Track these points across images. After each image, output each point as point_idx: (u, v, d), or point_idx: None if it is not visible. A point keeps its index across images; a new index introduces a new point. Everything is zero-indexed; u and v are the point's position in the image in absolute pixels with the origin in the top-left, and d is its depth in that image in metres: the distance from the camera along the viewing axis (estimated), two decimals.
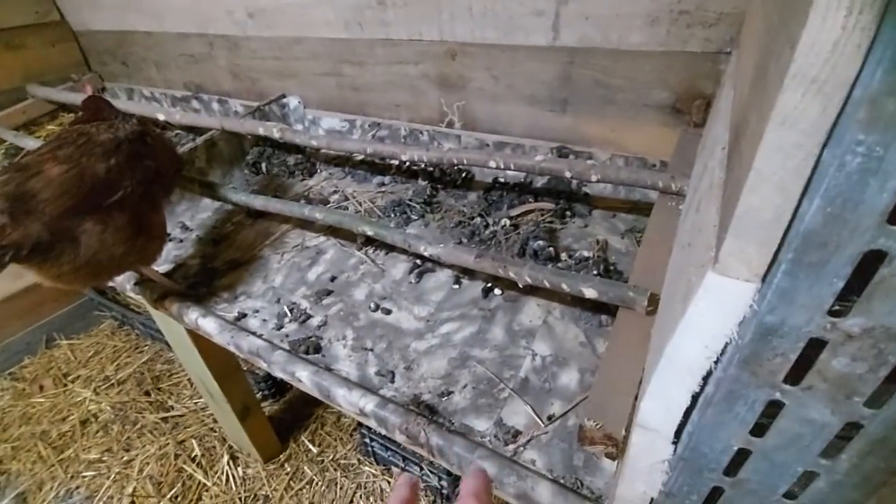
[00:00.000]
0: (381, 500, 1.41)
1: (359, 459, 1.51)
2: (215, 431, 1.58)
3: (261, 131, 1.19)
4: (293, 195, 1.23)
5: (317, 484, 1.45)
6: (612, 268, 0.86)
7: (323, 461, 1.51)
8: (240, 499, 1.42)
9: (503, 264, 0.71)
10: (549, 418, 0.67)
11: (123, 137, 0.82)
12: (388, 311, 0.88)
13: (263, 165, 1.34)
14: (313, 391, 0.78)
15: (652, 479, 0.42)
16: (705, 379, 0.35)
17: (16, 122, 1.78)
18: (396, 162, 1.26)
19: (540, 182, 1.10)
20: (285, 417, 1.61)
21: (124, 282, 1.01)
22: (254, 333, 0.87)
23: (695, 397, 0.37)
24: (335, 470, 1.49)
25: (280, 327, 0.89)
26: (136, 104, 1.66)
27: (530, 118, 1.09)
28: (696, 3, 0.84)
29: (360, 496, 1.42)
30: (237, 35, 1.43)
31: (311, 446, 1.55)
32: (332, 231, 1.09)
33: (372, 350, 0.81)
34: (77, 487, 1.51)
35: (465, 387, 0.73)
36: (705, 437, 0.38)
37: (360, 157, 1.31)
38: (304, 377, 0.78)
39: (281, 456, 1.53)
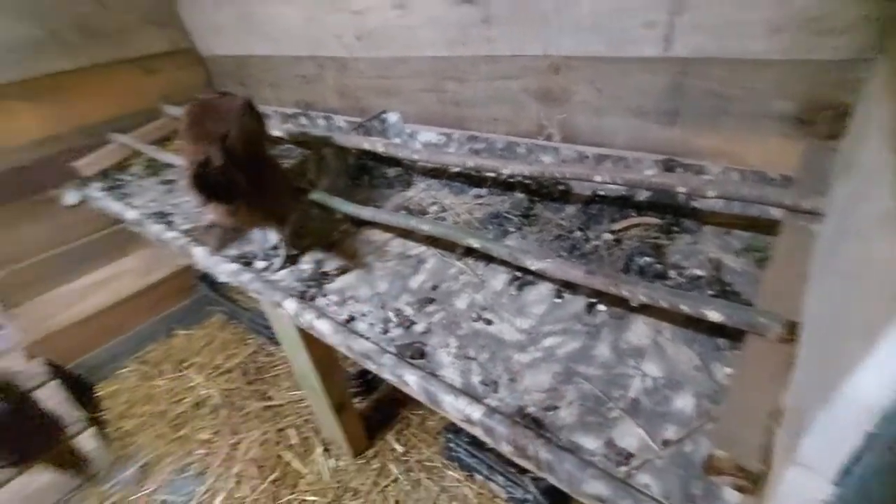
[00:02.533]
0: None
1: (443, 463, 1.54)
2: (310, 423, 1.70)
3: (366, 146, 1.28)
4: (393, 206, 1.30)
5: (402, 483, 1.51)
6: (728, 288, 0.82)
7: (408, 461, 1.56)
8: (331, 489, 1.51)
9: (616, 281, 0.71)
10: (665, 443, 0.65)
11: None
12: (490, 322, 0.90)
13: (365, 177, 1.42)
14: (420, 395, 0.82)
15: None
16: (888, 419, 0.33)
17: (153, 137, 2.04)
18: (493, 174, 1.28)
19: (643, 195, 1.07)
20: (373, 416, 1.68)
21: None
22: (363, 336, 0.93)
23: (870, 437, 0.34)
24: (419, 471, 1.53)
25: (386, 332, 0.94)
26: None
27: (635, 130, 1.06)
28: (826, 9, 0.79)
29: (445, 499, 1.45)
30: (345, 57, 1.54)
31: (396, 445, 1.61)
32: (432, 241, 1.14)
33: (475, 359, 0.84)
34: (190, 463, 1.69)
35: (572, 403, 0.73)
36: (878, 481, 0.36)
37: (457, 169, 1.36)
38: (412, 381, 0.82)
39: (368, 452, 1.60)
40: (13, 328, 1.90)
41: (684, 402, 0.69)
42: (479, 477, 1.48)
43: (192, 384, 1.97)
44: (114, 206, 1.64)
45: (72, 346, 2.06)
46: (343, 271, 1.12)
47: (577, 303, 0.89)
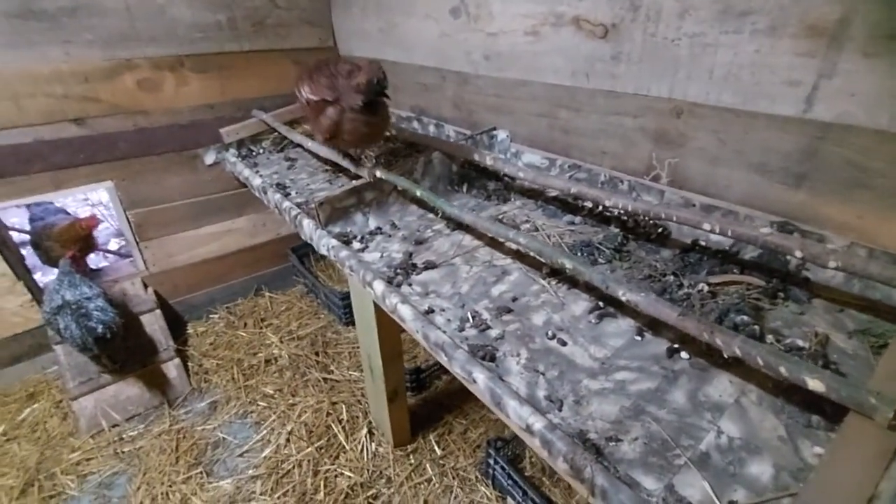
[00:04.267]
0: None
1: (477, 477, 1.54)
2: (361, 404, 1.78)
3: (475, 157, 1.35)
4: (488, 217, 1.35)
5: (434, 485, 1.53)
6: (832, 367, 0.76)
7: (444, 466, 1.58)
8: (367, 470, 1.57)
9: (710, 329, 0.69)
10: (731, 503, 0.62)
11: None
12: (564, 343, 0.91)
13: (465, 186, 1.49)
14: (485, 395, 0.85)
15: None
16: None
17: (286, 118, 2.29)
18: (590, 205, 1.29)
19: (749, 254, 1.02)
20: (419, 413, 1.73)
21: None
22: (439, 328, 0.98)
23: None
24: (453, 478, 1.54)
25: (461, 330, 0.98)
26: None
27: (753, 187, 1.03)
28: None
29: None
30: (469, 73, 1.64)
31: (436, 447, 1.64)
32: (519, 256, 1.17)
33: (543, 374, 0.85)
34: (251, 412, 1.84)
35: (636, 440, 0.72)
36: None
37: (554, 193, 1.38)
38: (480, 380, 0.85)
39: (409, 446, 1.64)
40: (139, 259, 2.21)
41: (761, 470, 0.66)
42: (510, 501, 1.46)
43: (267, 342, 2.15)
44: (244, 171, 1.86)
45: (180, 284, 2.34)
46: (430, 266, 1.19)
47: (658, 345, 0.88)
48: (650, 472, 0.67)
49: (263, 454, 1.66)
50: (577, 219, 1.28)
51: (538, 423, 0.75)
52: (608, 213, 1.25)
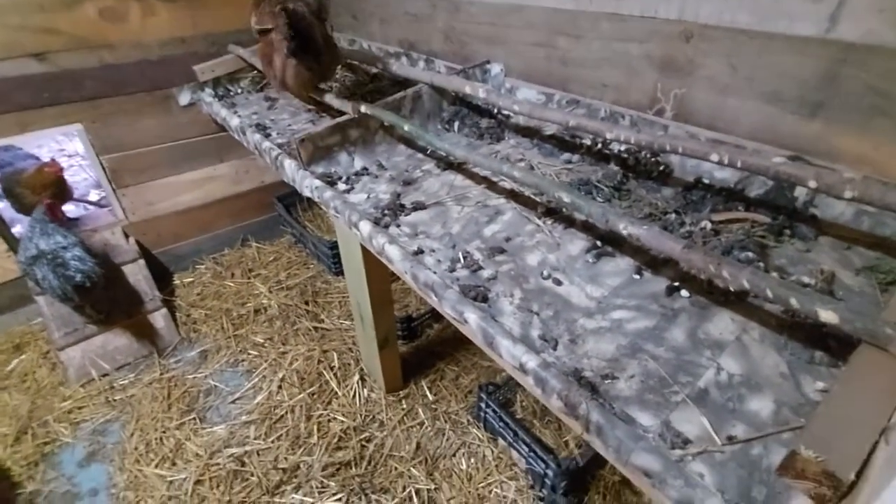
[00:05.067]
0: (482, 465, 1.44)
1: (469, 420, 1.56)
2: (353, 352, 1.77)
3: (467, 90, 1.25)
4: (481, 156, 1.28)
5: (427, 428, 1.54)
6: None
7: (436, 410, 1.60)
8: (360, 415, 1.58)
9: (717, 262, 0.65)
10: (729, 438, 0.61)
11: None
12: (559, 283, 0.87)
13: (456, 124, 1.41)
14: (477, 335, 0.81)
15: None
16: None
17: None
18: (588, 142, 1.22)
19: (755, 191, 0.97)
20: (411, 361, 1.73)
21: None
22: (429, 269, 0.93)
23: None
24: (445, 422, 1.56)
25: (452, 270, 0.93)
26: (356, 51, 1.89)
27: (764, 118, 0.96)
28: None
29: (463, 454, 1.47)
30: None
31: (428, 393, 1.65)
32: (512, 195, 1.11)
33: (538, 314, 0.82)
34: (242, 360, 1.82)
35: (633, 377, 0.70)
36: None
37: (550, 131, 1.30)
38: (471, 319, 0.82)
39: (401, 392, 1.65)
40: (117, 207, 2.12)
41: (761, 405, 0.64)
42: (501, 442, 1.48)
43: (255, 292, 2.11)
44: (222, 111, 1.74)
45: (163, 234, 2.26)
46: (419, 207, 1.13)
47: (657, 284, 0.84)
48: (646, 409, 0.65)
49: (256, 400, 1.66)
50: (575, 157, 1.21)
51: (532, 362, 0.72)
52: (607, 151, 1.18)
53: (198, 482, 1.45)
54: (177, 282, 2.25)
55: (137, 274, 2.08)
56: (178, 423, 1.62)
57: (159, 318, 2.00)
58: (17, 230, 2.01)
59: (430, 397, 1.64)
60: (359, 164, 1.31)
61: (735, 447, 0.60)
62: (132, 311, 1.98)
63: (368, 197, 1.19)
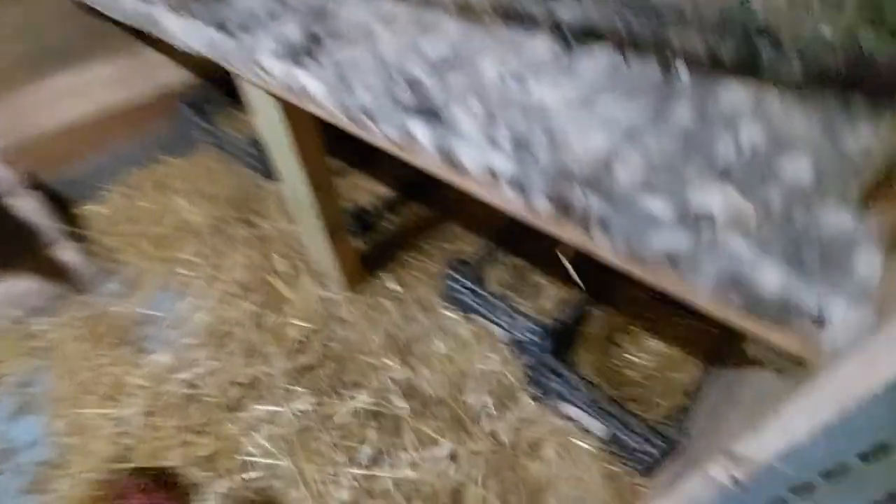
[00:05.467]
0: (460, 345, 1.35)
1: (441, 304, 1.44)
2: (299, 253, 1.58)
3: None
4: None
5: (395, 316, 1.42)
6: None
7: (404, 299, 1.46)
8: (315, 317, 1.42)
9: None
10: (766, 208, 0.47)
11: None
12: (527, 86, 0.68)
13: None
14: (432, 154, 0.63)
15: None
16: None
17: None
18: None
19: None
20: (370, 256, 1.55)
21: None
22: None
23: None
24: (415, 308, 1.44)
25: (388, 95, 0.72)
26: None
27: None
28: None
29: (438, 336, 1.37)
30: None
31: (393, 285, 1.50)
32: (456, 7, 0.88)
33: (505, 123, 0.63)
34: (172, 282, 1.60)
35: (634, 167, 0.54)
36: None
37: None
38: (423, 137, 0.63)
39: (362, 287, 1.50)
40: None
41: (797, 168, 0.50)
42: (479, 319, 1.38)
43: (175, 207, 1.83)
44: None
45: (49, 156, 1.87)
46: (339, 37, 0.88)
47: (650, 69, 0.67)
48: (657, 193, 0.50)
49: (196, 320, 1.46)
50: None
51: (505, 164, 0.55)
52: None
53: (148, 413, 1.28)
54: (81, 211, 1.91)
55: (28, 205, 1.73)
56: (112, 359, 1.41)
57: (67, 252, 1.70)
58: None
59: (396, 287, 1.49)
60: (257, 4, 1.01)
61: (776, 216, 0.47)
62: (32, 248, 1.67)
63: (275, 37, 0.92)
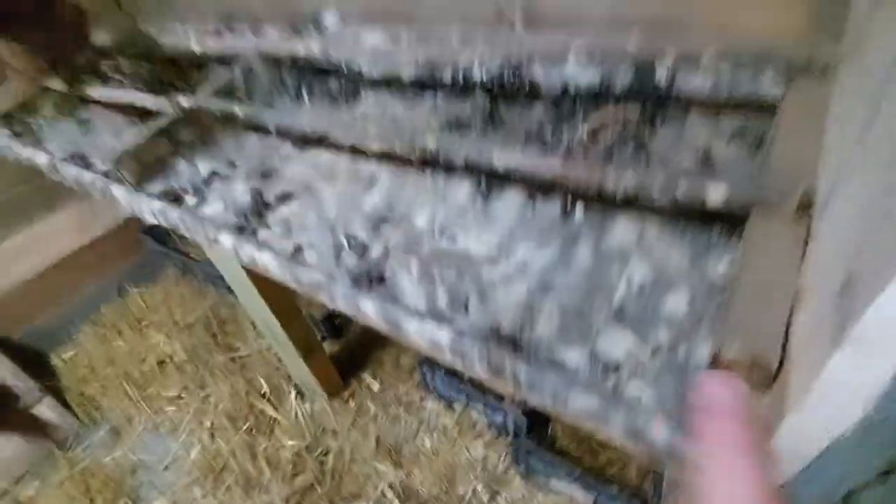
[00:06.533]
0: (444, 436, 1.41)
1: (420, 396, 1.50)
2: (280, 370, 1.62)
3: (300, 49, 1.09)
4: (342, 124, 1.13)
5: (381, 419, 1.47)
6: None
7: (385, 398, 1.52)
8: (310, 432, 1.46)
9: (599, 167, 0.59)
10: (655, 350, 0.58)
11: None
12: (454, 238, 0.79)
13: (305, 94, 1.24)
14: (380, 324, 0.72)
15: (849, 412, 0.32)
16: None
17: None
18: (448, 77, 1.12)
19: (620, 86, 0.93)
20: (345, 358, 1.62)
21: None
22: (311, 267, 0.81)
23: None
24: (398, 407, 1.50)
25: (338, 259, 0.82)
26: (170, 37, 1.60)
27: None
28: None
29: (424, 432, 1.43)
30: None
31: (372, 384, 1.56)
32: (384, 157, 1.00)
33: (441, 279, 0.73)
34: (161, 422, 1.61)
35: (550, 315, 0.64)
36: None
37: (407, 75, 1.18)
38: (369, 310, 0.72)
39: (345, 393, 1.55)
40: None
41: (676, 303, 0.61)
42: (458, 407, 1.45)
43: (153, 342, 1.85)
44: (23, 151, 1.43)
45: (15, 313, 1.88)
46: (287, 198, 0.98)
47: (552, 208, 0.79)
48: (571, 345, 0.60)
49: (191, 458, 1.48)
50: (440, 97, 1.11)
51: (445, 336, 0.65)
52: (470, 82, 1.09)
53: None
54: (55, 361, 1.91)
55: (1, 369, 1.73)
56: None
57: (45, 410, 1.70)
58: None
59: (376, 388, 1.55)
60: (204, 168, 1.11)
61: (663, 356, 0.57)
62: (7, 413, 1.66)
63: (226, 204, 1.01)
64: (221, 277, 1.94)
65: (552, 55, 0.79)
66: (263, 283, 1.17)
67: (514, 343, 0.62)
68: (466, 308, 0.68)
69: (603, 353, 0.58)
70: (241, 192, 1.03)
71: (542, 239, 0.74)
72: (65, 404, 1.72)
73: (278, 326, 1.23)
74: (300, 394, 1.54)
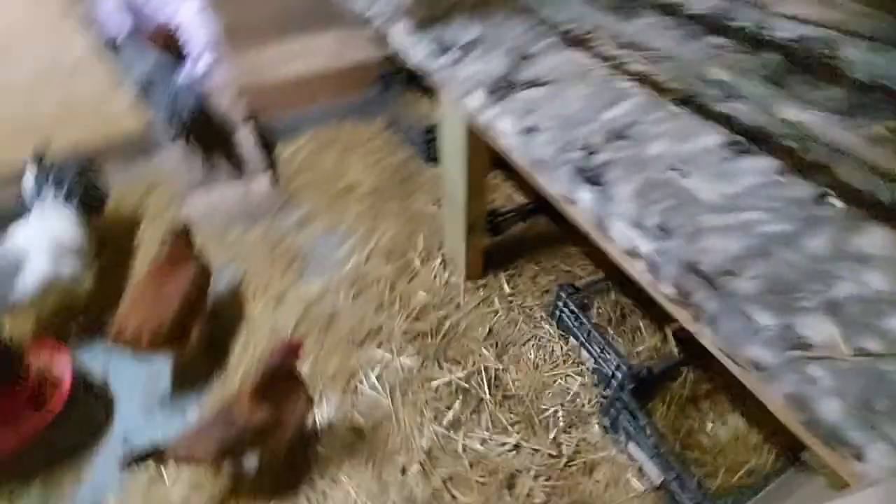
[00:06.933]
0: (550, 357, 1.50)
1: (542, 316, 1.60)
2: (437, 237, 1.84)
3: None
4: (608, 33, 1.14)
5: (501, 316, 1.61)
6: None
7: (512, 302, 1.65)
8: (439, 295, 1.67)
9: None
10: (859, 350, 0.56)
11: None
12: (685, 175, 0.80)
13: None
14: (588, 217, 0.79)
15: None
16: None
17: None
18: (746, 25, 1.04)
19: None
20: (492, 254, 1.75)
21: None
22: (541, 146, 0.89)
23: None
24: (519, 314, 1.61)
25: (565, 151, 0.89)
26: None
27: None
28: None
29: (533, 345, 1.54)
30: None
31: (505, 286, 1.69)
32: (642, 79, 1.00)
33: (656, 203, 0.77)
34: (336, 230, 1.96)
35: (756, 277, 0.65)
36: None
37: (698, 9, 1.12)
38: (583, 199, 0.79)
39: (480, 281, 1.71)
40: (225, 72, 2.21)
41: None
42: (572, 342, 1.51)
43: (350, 168, 2.20)
44: None
45: (268, 102, 2.36)
46: (535, 84, 1.06)
47: (804, 188, 0.75)
48: (767, 309, 0.61)
49: (346, 267, 1.80)
50: (725, 41, 1.05)
51: (646, 246, 0.70)
52: (769, 38, 1.00)
53: (296, 325, 1.65)
54: (279, 150, 2.38)
55: (246, 137, 2.22)
56: (280, 274, 1.81)
57: (265, 182, 2.17)
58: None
59: (507, 290, 1.68)
60: (473, 32, 1.23)
61: (865, 360, 0.55)
62: (241, 171, 2.15)
63: (482, 69, 1.13)
64: (422, 141, 2.17)
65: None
66: (473, 151, 1.29)
67: (709, 281, 0.65)
68: (672, 235, 0.71)
69: (798, 329, 0.59)
70: (497, 63, 1.13)
71: (781, 210, 0.72)
72: (276, 185, 2.18)
73: (464, 196, 1.39)
74: (444, 263, 1.75)
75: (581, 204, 0.79)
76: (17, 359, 1.23)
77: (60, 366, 1.38)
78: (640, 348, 1.45)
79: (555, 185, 0.84)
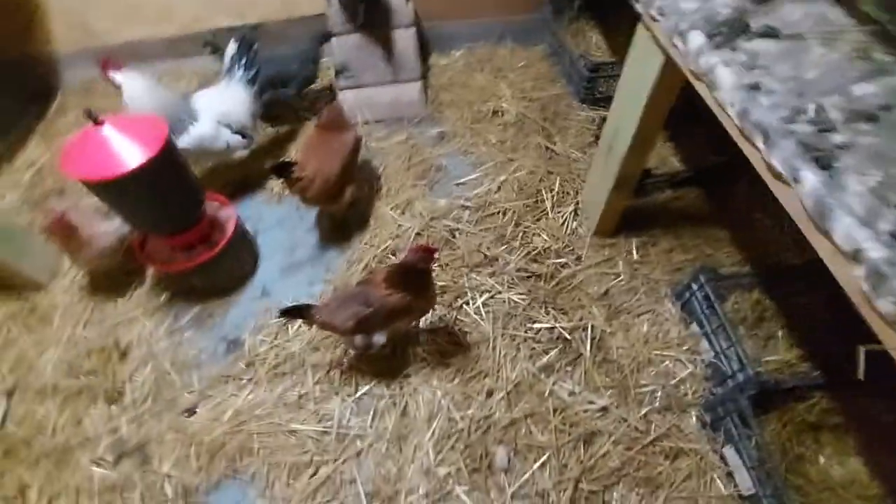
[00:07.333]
0: (662, 337, 1.43)
1: (666, 293, 1.51)
2: (575, 183, 1.76)
3: None
4: None
5: (621, 281, 1.54)
6: None
7: (637, 270, 1.57)
8: (560, 242, 1.63)
9: None
10: None
11: None
12: None
13: None
14: (808, 202, 0.69)
15: None
16: None
17: None
18: None
19: None
20: (629, 216, 1.64)
21: None
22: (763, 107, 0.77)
23: None
24: (641, 284, 1.53)
25: (791, 121, 0.76)
26: None
27: None
28: None
29: (648, 319, 1.47)
30: None
31: (634, 252, 1.60)
32: None
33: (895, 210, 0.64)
34: (472, 152, 1.95)
35: None
36: None
37: None
38: (807, 181, 0.68)
39: (607, 240, 1.63)
40: None
41: None
42: (694, 328, 1.42)
43: (499, 93, 2.13)
44: None
45: (431, 9, 2.31)
46: (769, 34, 0.90)
47: None
48: None
49: (475, 191, 1.81)
50: None
51: (875, 252, 0.60)
52: None
53: (418, 234, 1.73)
54: (432, 61, 2.37)
55: (408, 41, 2.22)
56: (412, 183, 1.88)
57: (415, 90, 2.19)
58: None
59: (636, 256, 1.59)
60: None
61: None
62: (396, 74, 2.19)
63: (703, 5, 0.98)
64: (582, 79, 2.01)
65: None
66: (657, 98, 1.15)
67: None
68: None
69: None
70: (725, 3, 0.97)
71: None
72: (425, 94, 2.19)
73: (628, 145, 1.28)
74: (576, 211, 1.68)
75: (803, 186, 0.68)
76: (200, 202, 1.45)
77: (225, 215, 1.60)
78: (770, 358, 1.32)
79: (774, 157, 0.73)
